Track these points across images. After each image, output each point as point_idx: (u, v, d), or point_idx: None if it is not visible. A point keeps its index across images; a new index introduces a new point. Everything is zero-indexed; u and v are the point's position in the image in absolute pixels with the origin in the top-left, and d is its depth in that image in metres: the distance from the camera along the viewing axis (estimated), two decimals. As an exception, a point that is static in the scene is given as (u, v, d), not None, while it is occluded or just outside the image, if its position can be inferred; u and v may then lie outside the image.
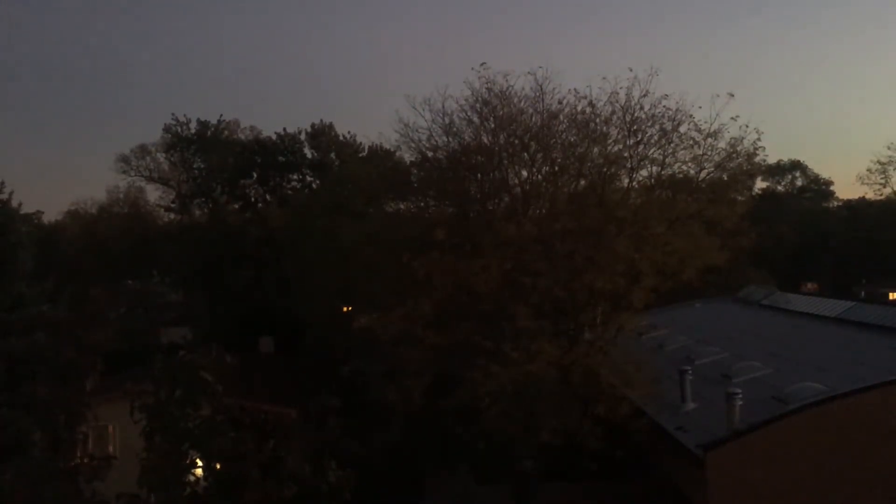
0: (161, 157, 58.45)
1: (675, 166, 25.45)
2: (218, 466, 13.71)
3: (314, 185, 53.25)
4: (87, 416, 15.00)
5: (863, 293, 66.26)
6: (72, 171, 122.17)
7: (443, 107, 26.50)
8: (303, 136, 54.66)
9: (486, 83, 25.59)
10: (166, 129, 55.84)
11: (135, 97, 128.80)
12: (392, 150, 35.45)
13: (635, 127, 24.42)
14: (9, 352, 18.48)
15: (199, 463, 13.52)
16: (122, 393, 20.80)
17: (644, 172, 25.79)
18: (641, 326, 26.31)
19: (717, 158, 24.90)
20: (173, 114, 56.84)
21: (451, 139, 27.04)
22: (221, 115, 57.08)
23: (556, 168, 26.23)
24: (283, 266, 46.51)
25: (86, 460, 14.31)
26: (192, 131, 55.73)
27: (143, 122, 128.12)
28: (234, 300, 49.33)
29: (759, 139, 24.52)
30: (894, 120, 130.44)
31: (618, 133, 24.86)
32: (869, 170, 70.21)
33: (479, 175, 26.71)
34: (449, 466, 26.52)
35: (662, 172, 25.40)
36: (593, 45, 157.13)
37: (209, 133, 55.80)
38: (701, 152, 24.66)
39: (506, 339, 22.17)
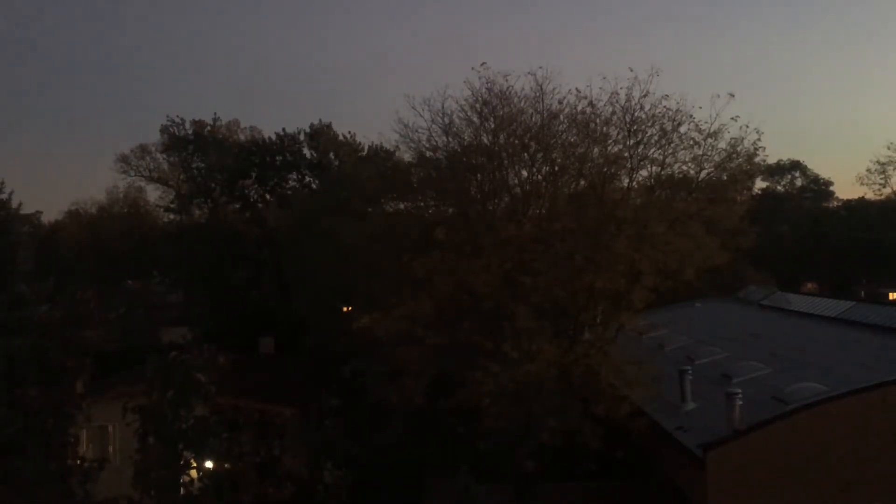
0: (161, 157, 58.52)
1: (675, 166, 25.44)
2: (212, 466, 13.68)
3: (314, 185, 53.22)
4: (78, 418, 14.94)
5: (863, 293, 66.28)
6: (72, 171, 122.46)
7: (442, 107, 26.48)
8: (302, 137, 54.63)
9: (486, 83, 25.59)
10: (163, 130, 55.89)
11: (135, 97, 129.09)
12: (392, 150, 35.48)
13: (635, 127, 24.39)
14: (9, 352, 18.45)
15: (194, 464, 13.49)
16: (115, 394, 20.79)
17: (644, 172, 25.81)
18: (641, 326, 26.30)
19: (717, 158, 24.89)
20: (168, 115, 56.97)
21: (450, 139, 27.02)
22: (216, 114, 57.16)
23: (557, 168, 26.20)
24: (283, 266, 46.48)
25: (78, 462, 14.25)
26: (189, 132, 55.73)
27: (142, 123, 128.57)
28: (234, 300, 49.27)
29: (759, 139, 24.55)
30: (894, 120, 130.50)
31: (618, 133, 24.83)
32: (869, 170, 70.23)
33: (479, 175, 26.67)
34: (449, 466, 26.48)
35: (662, 172, 25.38)
36: (593, 45, 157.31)
37: (206, 132, 55.79)
38: (701, 152, 24.66)
39: (506, 338, 22.12)
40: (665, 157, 24.90)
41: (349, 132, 54.92)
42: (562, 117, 25.57)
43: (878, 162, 69.31)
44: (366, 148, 53.05)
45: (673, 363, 26.34)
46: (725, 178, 25.78)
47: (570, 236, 23.55)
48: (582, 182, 26.27)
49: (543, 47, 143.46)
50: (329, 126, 54.94)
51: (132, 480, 13.30)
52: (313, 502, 14.54)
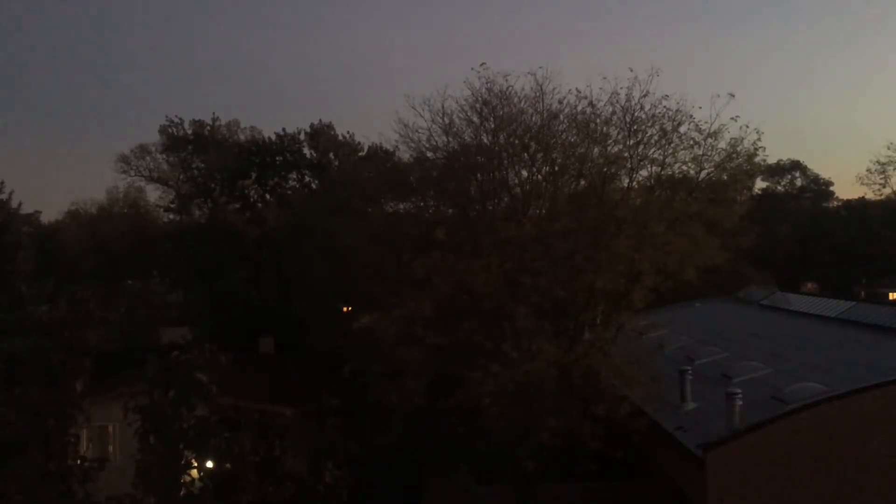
0: (161, 157, 58.52)
1: (675, 166, 25.42)
2: (212, 466, 13.68)
3: (314, 185, 53.20)
4: (78, 418, 14.99)
5: (863, 293, 66.29)
6: (72, 171, 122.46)
7: (442, 107, 26.51)
8: (302, 136, 54.62)
9: (486, 83, 25.63)
10: (162, 130, 55.90)
11: (135, 97, 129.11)
12: (392, 150, 35.48)
13: (635, 127, 24.40)
14: (9, 352, 18.47)
15: (195, 464, 13.48)
16: (116, 394, 20.79)
17: (644, 172, 25.78)
18: (641, 326, 26.31)
19: (717, 159, 24.89)
20: (167, 115, 56.98)
21: (450, 139, 27.04)
22: (214, 114, 57.20)
23: (556, 168, 26.22)
24: (283, 266, 46.44)
25: (78, 462, 14.27)
26: (189, 132, 55.75)
27: (142, 122, 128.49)
28: (234, 300, 49.25)
29: (759, 139, 24.56)
30: (894, 120, 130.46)
31: (618, 133, 24.85)
32: (869, 170, 70.23)
33: (479, 175, 26.69)
34: (449, 466, 26.51)
35: (662, 172, 25.36)
36: (593, 45, 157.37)
37: (206, 132, 55.80)
38: (701, 152, 24.65)
39: (506, 338, 22.15)
40: (665, 157, 24.91)
41: (348, 132, 54.97)
42: (562, 117, 25.61)
43: (878, 162, 69.39)
44: (366, 148, 53.02)
45: (673, 363, 26.36)
46: (725, 178, 25.78)
47: (570, 236, 23.55)
48: (582, 182, 26.29)
49: (543, 47, 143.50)
50: (329, 126, 54.90)
51: (133, 480, 13.28)
52: (313, 502, 14.54)
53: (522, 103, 25.85)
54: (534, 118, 25.88)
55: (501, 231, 23.75)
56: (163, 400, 13.39)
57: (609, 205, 24.20)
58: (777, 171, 72.83)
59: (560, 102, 25.55)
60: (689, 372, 23.43)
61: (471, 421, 22.44)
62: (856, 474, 18.60)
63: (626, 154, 24.91)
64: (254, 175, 54.10)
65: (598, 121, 24.87)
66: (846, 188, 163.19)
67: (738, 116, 24.05)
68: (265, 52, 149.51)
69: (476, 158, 26.27)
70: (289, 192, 53.88)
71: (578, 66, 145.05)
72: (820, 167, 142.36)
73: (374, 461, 25.71)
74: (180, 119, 55.89)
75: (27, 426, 14.29)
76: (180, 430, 13.32)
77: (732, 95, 23.65)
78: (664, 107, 24.02)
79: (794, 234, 67.39)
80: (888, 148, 69.71)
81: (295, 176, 54.55)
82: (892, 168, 68.87)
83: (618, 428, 22.10)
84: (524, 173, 26.65)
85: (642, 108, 24.11)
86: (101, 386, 26.33)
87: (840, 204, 76.12)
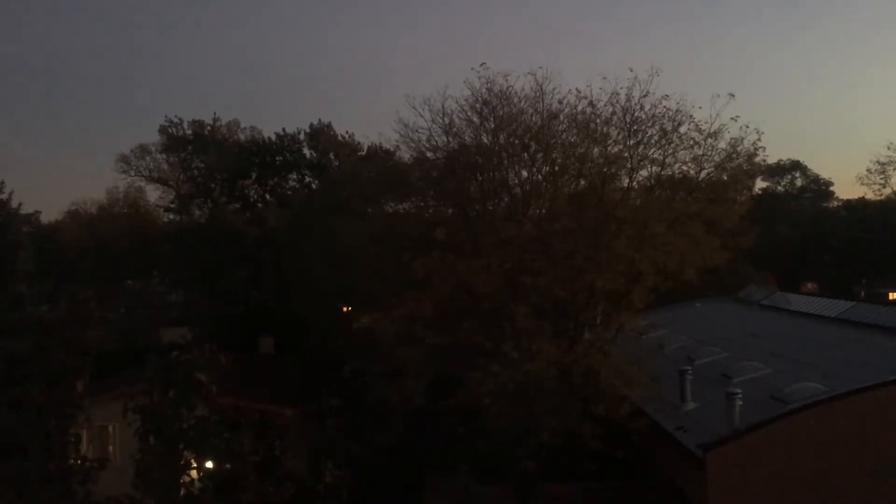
0: (161, 157, 58.60)
1: (675, 166, 25.43)
2: (212, 466, 13.69)
3: (314, 186, 53.22)
4: (79, 418, 15.02)
5: (863, 293, 66.27)
6: (72, 171, 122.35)
7: (443, 107, 26.54)
8: (302, 137, 54.63)
9: (486, 83, 25.67)
10: (161, 130, 55.95)
11: (135, 97, 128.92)
12: (392, 150, 35.50)
13: (635, 127, 24.41)
14: (9, 352, 18.50)
15: (195, 464, 13.48)
16: (116, 394, 20.82)
17: (644, 172, 25.79)
18: (641, 326, 26.33)
19: (717, 159, 24.88)
20: (166, 115, 57.05)
21: (450, 139, 27.07)
22: (215, 114, 57.27)
23: (556, 168, 26.24)
24: (283, 266, 46.46)
25: (79, 462, 14.30)
26: (189, 132, 55.80)
27: (142, 122, 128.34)
28: (234, 300, 49.24)
29: (759, 139, 24.56)
30: (894, 120, 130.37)
31: (618, 133, 24.86)
32: (869, 170, 70.14)
33: (479, 175, 26.71)
34: (449, 466, 26.51)
35: (662, 172, 25.37)
36: (593, 45, 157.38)
37: (206, 132, 55.85)
38: (701, 152, 24.65)
39: (506, 338, 22.16)
40: (665, 157, 24.92)
41: (347, 132, 54.96)
42: (562, 117, 25.64)
43: (878, 162, 69.26)
44: (365, 148, 53.01)
45: (673, 363, 26.37)
46: (725, 178, 25.78)
47: (570, 236, 23.57)
48: (582, 182, 26.31)
49: (543, 47, 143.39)
50: (329, 126, 54.90)
51: (133, 480, 13.28)
52: (313, 502, 14.55)
53: (522, 103, 25.91)
54: (534, 118, 25.91)
55: (501, 231, 23.77)
56: (163, 400, 13.40)
57: (609, 205, 24.20)
58: (777, 171, 72.80)
59: (560, 102, 25.62)
60: (689, 372, 23.44)
61: (471, 421, 22.45)
62: (856, 474, 18.60)
63: (626, 154, 24.93)
64: (254, 175, 54.09)
65: (598, 121, 24.90)
66: (846, 188, 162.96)
67: (738, 116, 24.10)
68: (265, 52, 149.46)
69: (476, 158, 26.29)
70: (289, 192, 53.87)
71: (578, 66, 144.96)
72: (820, 167, 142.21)
73: (374, 461, 25.75)
74: (180, 119, 56.01)
75: (27, 426, 14.32)
76: (180, 430, 13.32)
77: (732, 95, 23.70)
78: (664, 107, 24.06)
79: (794, 234, 67.36)
80: (888, 148, 69.63)
81: (295, 176, 54.54)
82: (892, 168, 68.81)
83: (618, 428, 22.11)
84: (524, 173, 26.70)
85: (642, 108, 24.16)
86: (101, 386, 26.35)
87: (840, 204, 76.09)
